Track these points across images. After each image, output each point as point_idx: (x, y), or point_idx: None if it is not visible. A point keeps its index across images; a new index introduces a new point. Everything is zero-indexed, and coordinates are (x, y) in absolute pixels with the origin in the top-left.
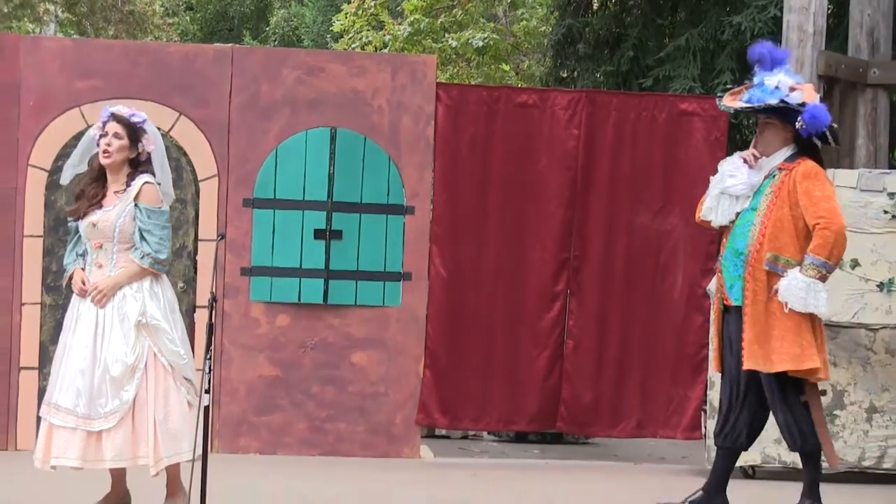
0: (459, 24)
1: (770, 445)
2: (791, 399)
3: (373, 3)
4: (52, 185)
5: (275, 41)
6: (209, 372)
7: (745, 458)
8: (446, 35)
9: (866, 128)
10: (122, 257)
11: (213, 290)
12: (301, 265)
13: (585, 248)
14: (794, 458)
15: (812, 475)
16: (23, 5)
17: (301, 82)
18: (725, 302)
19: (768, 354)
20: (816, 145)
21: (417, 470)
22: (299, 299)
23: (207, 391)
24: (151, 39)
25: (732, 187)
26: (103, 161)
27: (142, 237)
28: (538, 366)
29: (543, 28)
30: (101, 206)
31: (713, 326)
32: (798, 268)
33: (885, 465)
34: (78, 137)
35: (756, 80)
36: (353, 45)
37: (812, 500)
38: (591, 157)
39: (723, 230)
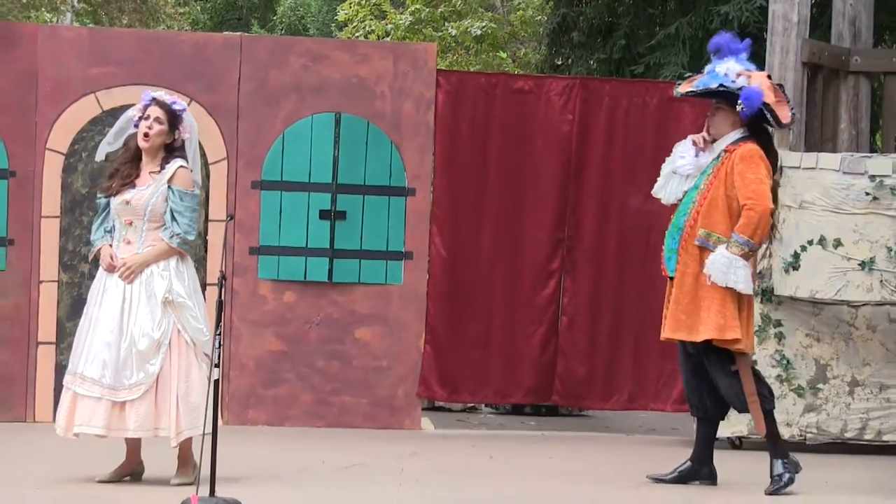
0: (459, 14)
1: None
2: (727, 367)
3: None
4: (69, 167)
5: (282, 30)
6: (219, 347)
7: (733, 430)
8: (446, 24)
9: (848, 113)
10: (151, 235)
11: (223, 268)
12: (307, 245)
13: (579, 229)
14: (780, 430)
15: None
16: None
17: (307, 69)
18: (664, 273)
19: (696, 325)
20: (766, 129)
21: (419, 441)
22: (305, 277)
23: (217, 365)
24: (163, 28)
25: (681, 167)
26: (142, 143)
27: (172, 218)
28: (534, 341)
29: (539, 17)
30: (134, 186)
31: (665, 296)
32: (725, 244)
33: (867, 437)
34: (94, 122)
35: (708, 67)
36: (357, 34)
37: (780, 457)
38: (585, 140)
39: (673, 207)
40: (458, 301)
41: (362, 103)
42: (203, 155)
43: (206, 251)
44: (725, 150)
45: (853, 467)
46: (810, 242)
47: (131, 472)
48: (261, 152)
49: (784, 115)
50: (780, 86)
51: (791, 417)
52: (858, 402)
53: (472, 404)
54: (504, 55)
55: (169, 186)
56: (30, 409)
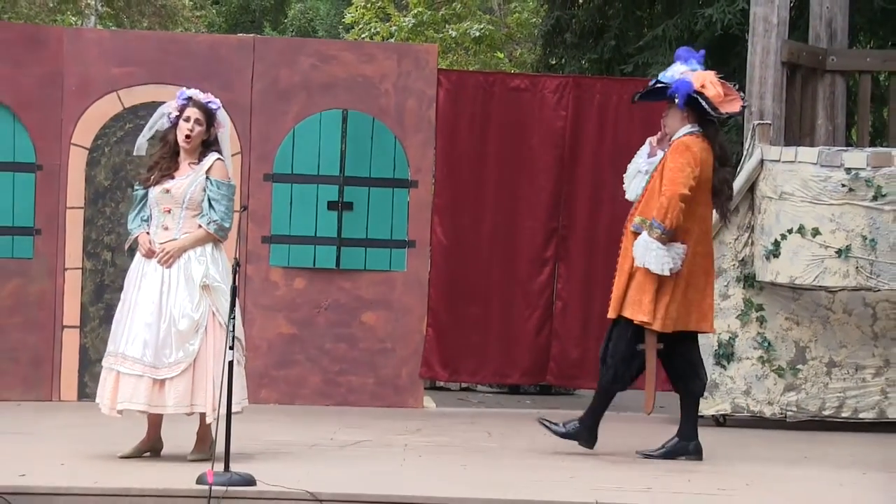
0: (458, 16)
1: (739, 396)
2: (627, 343)
3: None
4: (92, 161)
5: (292, 32)
6: (233, 330)
7: (717, 408)
8: (447, 26)
9: (825, 110)
10: (189, 222)
11: (237, 256)
12: (316, 234)
13: (572, 219)
14: (762, 408)
15: (597, 407)
16: (66, 0)
17: (316, 69)
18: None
19: (629, 304)
20: (713, 121)
21: (422, 418)
22: (314, 264)
23: (232, 347)
24: (181, 30)
25: (640, 165)
26: (185, 144)
27: (210, 205)
28: (530, 325)
29: (534, 19)
30: (173, 177)
31: None
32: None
33: (843, 415)
34: (116, 119)
35: (660, 75)
36: (363, 36)
37: (581, 423)
38: (578, 135)
39: None
40: (459, 287)
41: (368, 101)
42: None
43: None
44: (670, 145)
45: (831, 443)
46: (790, 231)
47: (151, 448)
48: (272, 147)
49: (732, 106)
50: (736, 83)
51: (772, 396)
52: (836, 382)
53: (471, 384)
54: (501, 55)
55: (207, 177)
56: (55, 389)
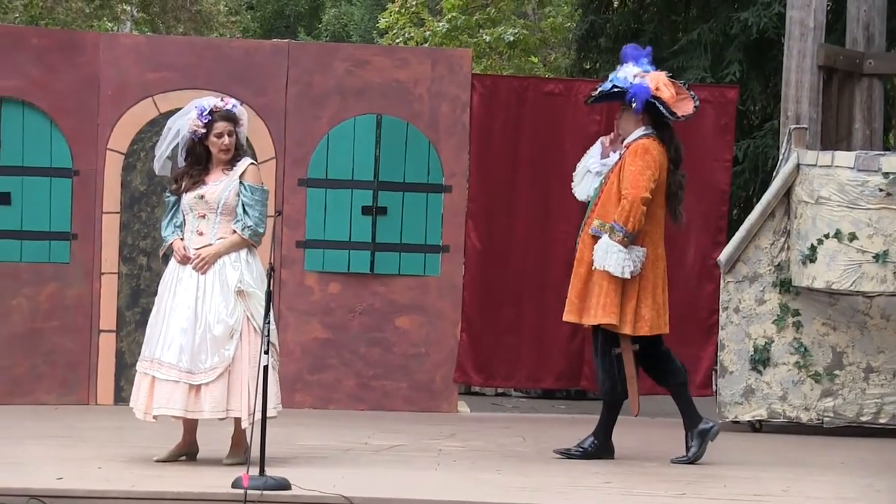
0: (493, 21)
1: (776, 402)
2: (599, 350)
3: (414, 2)
4: (128, 166)
5: (326, 37)
6: (268, 335)
7: (753, 413)
8: (481, 31)
9: (862, 113)
10: (223, 227)
11: (272, 261)
12: (350, 238)
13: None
14: (799, 414)
15: (605, 419)
16: (102, 6)
17: (350, 74)
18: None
19: (587, 309)
20: (667, 124)
21: (456, 423)
22: (348, 269)
23: (267, 352)
24: (216, 36)
25: (591, 165)
26: (224, 157)
27: (244, 211)
28: (563, 329)
29: (568, 24)
30: (205, 183)
31: None
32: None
33: (881, 421)
34: (152, 124)
35: (611, 75)
36: (397, 40)
37: (597, 438)
38: None
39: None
40: (492, 291)
41: (402, 105)
42: (253, 154)
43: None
44: (626, 147)
45: (868, 449)
46: (826, 236)
47: (187, 452)
48: (307, 152)
49: (685, 108)
50: (684, 82)
51: (809, 402)
52: (873, 388)
53: (504, 389)
54: (535, 60)
55: (241, 182)
56: (92, 393)
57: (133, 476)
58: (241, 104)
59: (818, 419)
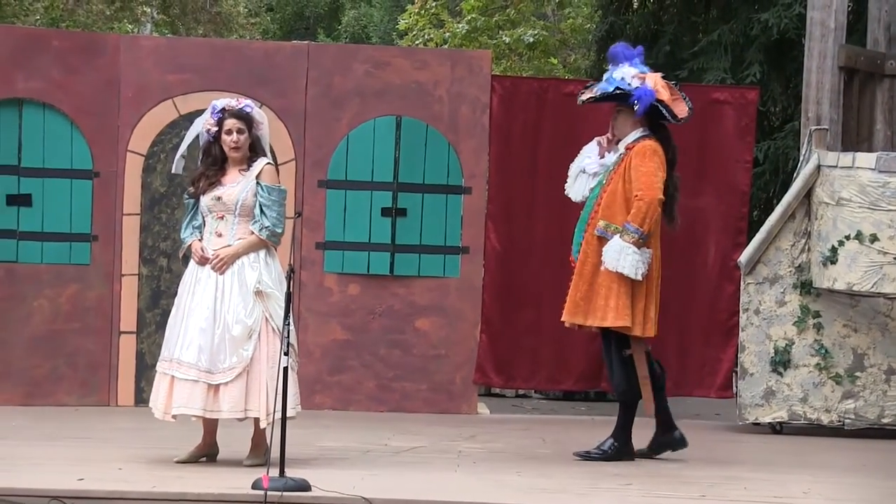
0: (512, 22)
1: (796, 404)
2: (612, 352)
3: (434, 4)
4: (148, 168)
5: (346, 38)
6: (287, 336)
7: (774, 415)
8: (500, 32)
9: (883, 114)
10: (241, 228)
11: (291, 262)
12: (370, 240)
13: None
14: (820, 416)
15: (622, 420)
16: (122, 8)
17: (370, 75)
18: (573, 264)
19: (594, 311)
20: (664, 125)
21: (476, 425)
22: (368, 270)
23: (286, 353)
24: (236, 37)
25: (587, 166)
26: (234, 155)
27: (262, 211)
28: (583, 330)
29: (588, 25)
30: (223, 184)
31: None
32: (620, 233)
33: None
34: (172, 126)
35: (606, 74)
36: (417, 42)
37: (616, 440)
38: None
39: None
40: (512, 293)
41: (421, 107)
42: (273, 156)
43: (276, 246)
44: (626, 149)
45: (890, 451)
46: (847, 237)
47: (207, 453)
48: (326, 153)
49: (681, 110)
50: (677, 84)
51: (830, 404)
52: (895, 390)
53: (524, 391)
54: (555, 61)
55: (258, 182)
56: (112, 394)
57: (153, 477)
58: (261, 106)
59: (839, 421)
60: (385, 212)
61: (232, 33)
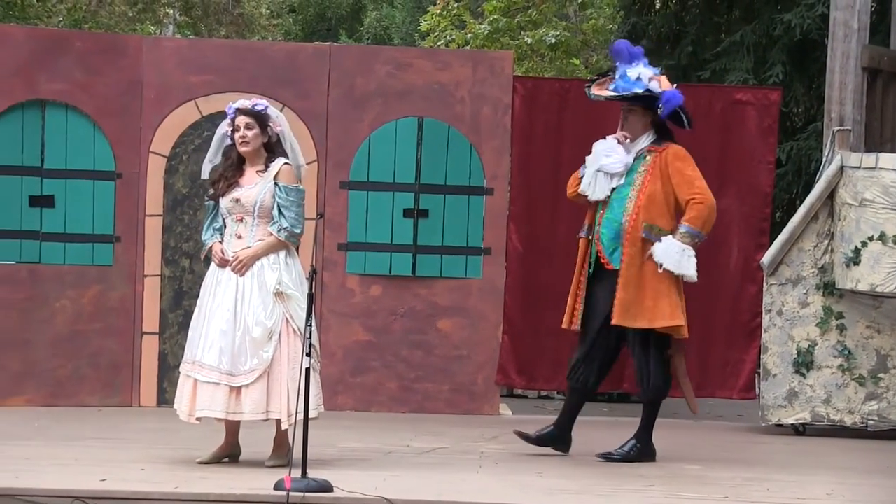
0: (534, 23)
1: (819, 405)
2: (651, 352)
3: (456, 5)
4: (171, 169)
5: (368, 40)
6: (310, 337)
7: (797, 416)
8: (522, 33)
9: None
10: (261, 230)
11: (314, 263)
12: (392, 241)
13: None
14: (843, 417)
15: (646, 421)
16: (145, 9)
17: (391, 76)
18: (606, 266)
19: (643, 313)
20: (671, 130)
21: (498, 426)
22: (390, 271)
23: (308, 354)
24: (258, 39)
25: (609, 165)
26: (243, 150)
27: (280, 212)
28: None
29: (610, 26)
30: (241, 186)
31: (574, 287)
32: (671, 234)
33: None
34: (194, 127)
35: (619, 72)
36: (439, 43)
37: (638, 441)
38: None
39: (595, 203)
40: (534, 294)
41: (443, 108)
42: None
43: (297, 247)
44: (650, 150)
45: None
46: (870, 238)
47: (229, 454)
48: (348, 154)
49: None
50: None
51: (853, 405)
52: None
53: (546, 392)
54: (577, 62)
55: (275, 183)
56: (135, 395)
57: (176, 478)
58: (283, 108)
59: (862, 423)
60: (407, 213)
61: (254, 34)
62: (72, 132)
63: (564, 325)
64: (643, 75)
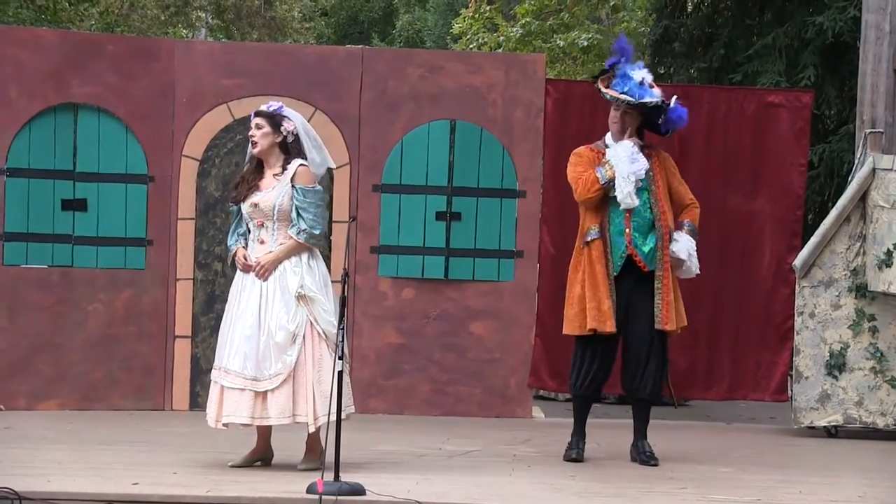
0: (566, 26)
1: (851, 407)
2: (664, 353)
3: (488, 8)
4: (203, 172)
5: (400, 42)
6: (342, 340)
7: (829, 419)
8: (554, 36)
9: None
10: (282, 234)
11: (346, 266)
12: (424, 244)
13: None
14: (875, 419)
15: (647, 418)
16: (177, 13)
17: (424, 79)
18: (643, 268)
19: (680, 314)
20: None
21: (530, 428)
22: (423, 275)
23: (341, 357)
24: (290, 42)
25: (640, 171)
26: (255, 150)
27: (298, 215)
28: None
29: (642, 29)
30: (260, 189)
31: (596, 290)
32: (680, 231)
33: None
34: (226, 130)
35: (620, 70)
36: (471, 46)
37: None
38: (686, 145)
39: (606, 204)
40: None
41: (476, 111)
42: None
43: (330, 250)
44: (647, 153)
45: None
46: None
47: (262, 457)
48: (381, 157)
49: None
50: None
51: (885, 407)
52: None
53: None
54: None
55: (293, 185)
56: (167, 398)
57: (208, 481)
58: (315, 111)
59: (895, 424)
60: (439, 216)
61: (286, 38)
62: (104, 136)
63: (594, 327)
64: (646, 80)
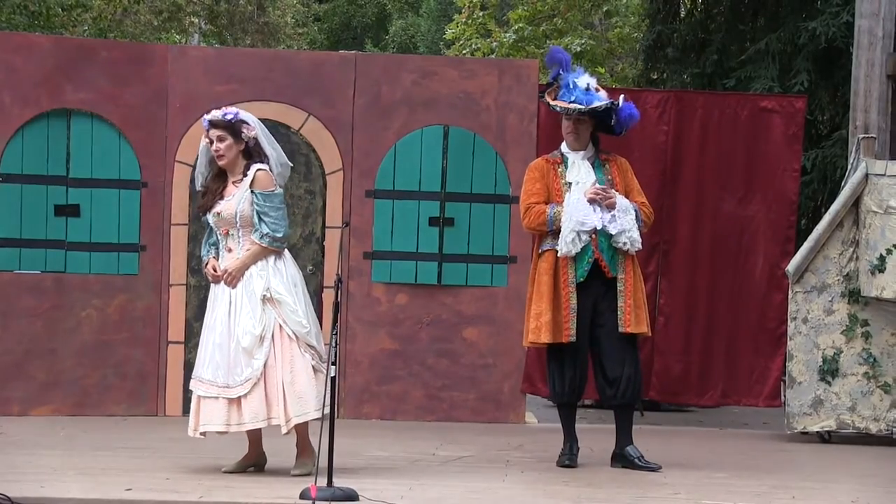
0: (560, 32)
1: (844, 413)
2: (637, 357)
3: (481, 13)
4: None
5: (393, 48)
6: (335, 346)
7: (822, 424)
8: (548, 41)
9: None
10: (248, 240)
11: (339, 272)
12: (417, 249)
13: (675, 233)
14: (868, 425)
15: (630, 422)
16: (170, 19)
17: (417, 85)
18: (608, 274)
19: (644, 318)
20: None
21: (523, 434)
22: (416, 280)
23: (334, 363)
24: (284, 48)
25: (587, 228)
26: (221, 163)
27: (259, 219)
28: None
29: (635, 34)
30: (222, 198)
31: (540, 301)
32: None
33: None
34: None
35: (564, 80)
36: (464, 51)
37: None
38: (680, 150)
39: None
40: None
41: (469, 116)
42: (320, 166)
43: (323, 256)
44: (604, 159)
45: None
46: (895, 246)
47: (255, 463)
48: (374, 163)
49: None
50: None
51: (878, 413)
52: None
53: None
54: (602, 70)
55: (252, 191)
56: (161, 404)
57: (201, 487)
58: (309, 116)
59: (888, 430)
60: (433, 221)
61: (279, 43)
62: (97, 141)
63: (552, 340)
64: (591, 85)
